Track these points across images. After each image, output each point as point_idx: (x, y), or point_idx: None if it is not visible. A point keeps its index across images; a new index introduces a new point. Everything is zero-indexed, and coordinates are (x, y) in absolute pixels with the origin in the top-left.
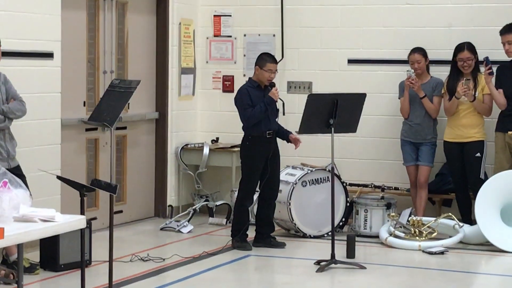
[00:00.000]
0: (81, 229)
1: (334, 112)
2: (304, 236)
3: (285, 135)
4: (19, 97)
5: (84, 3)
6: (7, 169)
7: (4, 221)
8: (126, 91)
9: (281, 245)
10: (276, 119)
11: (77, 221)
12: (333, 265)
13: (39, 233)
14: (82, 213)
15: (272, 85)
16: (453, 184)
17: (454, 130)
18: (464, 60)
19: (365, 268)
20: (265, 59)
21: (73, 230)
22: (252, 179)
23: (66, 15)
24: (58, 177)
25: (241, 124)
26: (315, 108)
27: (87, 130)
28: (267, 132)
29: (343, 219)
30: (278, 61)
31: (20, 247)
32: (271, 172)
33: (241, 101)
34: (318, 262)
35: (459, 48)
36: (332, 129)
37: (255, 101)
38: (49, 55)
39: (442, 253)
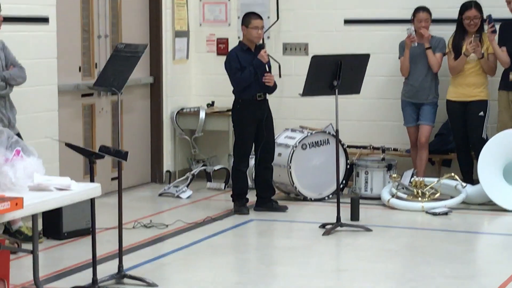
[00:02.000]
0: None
1: (338, 74)
2: (305, 199)
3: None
4: (19, 64)
5: None
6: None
7: (19, 191)
8: (133, 56)
9: (283, 209)
10: None
11: (93, 189)
12: (338, 228)
13: (56, 202)
14: (91, 180)
15: (261, 47)
16: (454, 143)
17: (458, 89)
18: (471, 19)
19: (371, 230)
20: (250, 16)
21: (89, 198)
22: (246, 142)
23: None
24: (67, 144)
25: None
26: (319, 70)
27: (83, 96)
28: (257, 95)
29: (344, 182)
30: (273, 22)
31: (35, 216)
32: (266, 135)
33: (230, 65)
34: (323, 225)
35: (466, 6)
36: (336, 91)
37: (244, 64)
38: (45, 20)
39: (445, 213)
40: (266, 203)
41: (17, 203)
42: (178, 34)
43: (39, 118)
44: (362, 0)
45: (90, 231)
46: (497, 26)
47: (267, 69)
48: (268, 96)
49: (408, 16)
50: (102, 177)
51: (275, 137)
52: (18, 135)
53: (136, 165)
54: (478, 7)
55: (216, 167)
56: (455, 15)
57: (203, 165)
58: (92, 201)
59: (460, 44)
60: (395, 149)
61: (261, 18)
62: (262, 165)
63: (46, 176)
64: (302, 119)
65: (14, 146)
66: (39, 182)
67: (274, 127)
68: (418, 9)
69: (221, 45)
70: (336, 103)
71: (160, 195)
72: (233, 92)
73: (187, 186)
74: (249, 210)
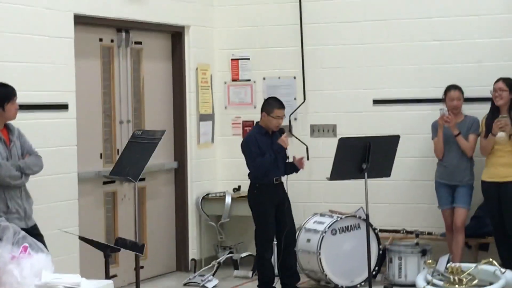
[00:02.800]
0: None
1: (367, 156)
2: (336, 287)
3: (291, 166)
4: (35, 152)
5: (98, 51)
6: (24, 229)
7: None
8: (150, 143)
9: None
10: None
11: (105, 287)
12: None
13: None
14: (107, 275)
15: (281, 131)
16: (491, 226)
17: (491, 169)
18: (496, 90)
19: None
20: (272, 105)
21: None
22: (267, 228)
23: (79, 64)
24: (81, 238)
25: None
26: (347, 152)
27: (104, 183)
28: (275, 178)
29: (376, 268)
30: (300, 104)
31: None
32: (285, 219)
33: (249, 150)
34: None
35: (495, 81)
36: (365, 174)
37: (263, 149)
38: (64, 107)
39: None
40: None
41: None
42: (202, 117)
43: (58, 208)
44: (391, 79)
45: None
46: None
47: (287, 154)
48: (295, 179)
49: (439, 95)
50: (125, 267)
51: (303, 222)
52: (35, 226)
53: (161, 253)
54: (507, 82)
55: (243, 254)
56: (485, 93)
57: (229, 252)
58: None
59: (492, 123)
60: (429, 233)
61: (283, 107)
62: (285, 250)
63: (55, 274)
64: (332, 202)
65: (21, 242)
66: (47, 280)
67: (292, 211)
68: (450, 88)
69: (247, 128)
70: (365, 187)
71: (185, 284)
72: (249, 176)
73: (213, 274)
74: None
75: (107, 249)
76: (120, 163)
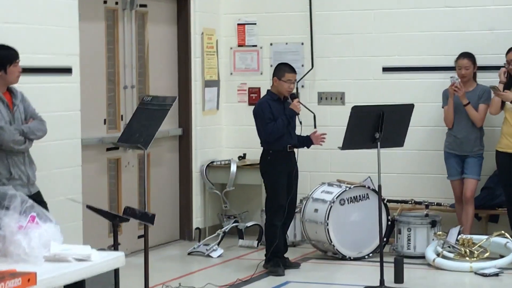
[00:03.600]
0: None
1: (380, 126)
2: (343, 258)
3: (306, 140)
4: (39, 116)
5: (102, 14)
6: (28, 196)
7: (34, 262)
8: (160, 109)
9: (296, 266)
10: (297, 133)
11: (115, 259)
12: None
13: (75, 275)
14: (115, 246)
15: (293, 96)
16: (505, 197)
17: (504, 139)
18: (510, 63)
19: None
20: (283, 69)
21: (112, 269)
22: (279, 195)
23: (83, 27)
24: (88, 207)
25: None
26: (360, 121)
27: (107, 150)
28: (288, 146)
29: (384, 239)
30: (308, 70)
31: None
32: (293, 187)
33: (262, 115)
34: None
35: (509, 50)
36: (378, 143)
37: (276, 114)
38: (68, 71)
39: (496, 274)
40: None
41: (30, 279)
42: (208, 83)
43: (61, 175)
44: (401, 46)
45: None
46: None
47: (299, 121)
48: (301, 148)
49: (451, 63)
50: (127, 235)
51: (311, 192)
52: (38, 193)
53: (164, 221)
54: None
55: (249, 224)
56: (503, 61)
57: (234, 222)
58: (116, 271)
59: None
60: (438, 204)
61: (295, 71)
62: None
63: (64, 245)
64: (338, 172)
65: (29, 212)
66: (56, 252)
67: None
68: (459, 56)
69: (253, 94)
70: (378, 157)
71: (190, 253)
72: (262, 143)
73: (218, 244)
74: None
75: (116, 219)
76: (129, 129)
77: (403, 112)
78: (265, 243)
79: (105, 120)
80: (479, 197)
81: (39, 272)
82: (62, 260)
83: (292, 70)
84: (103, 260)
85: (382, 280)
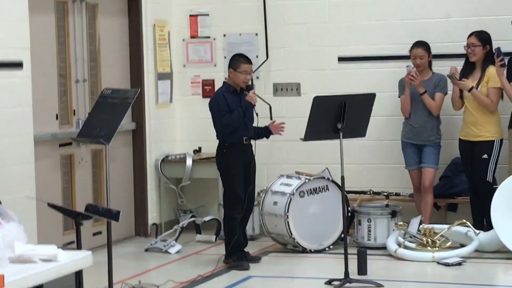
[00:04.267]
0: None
1: (342, 116)
2: (304, 251)
3: (264, 131)
4: None
5: (52, 6)
6: None
7: None
8: (122, 103)
9: (257, 260)
10: (254, 124)
11: (83, 259)
12: (347, 285)
13: (42, 277)
14: (78, 245)
15: (249, 88)
16: (468, 185)
17: (464, 128)
18: (469, 46)
19: (382, 286)
20: (239, 60)
21: (79, 269)
22: (236, 187)
23: (33, 20)
24: (50, 205)
25: None
26: (321, 112)
27: (60, 145)
28: (244, 138)
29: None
30: (263, 61)
31: None
32: (251, 180)
33: (218, 107)
34: (329, 281)
35: (470, 34)
36: (341, 134)
37: (232, 106)
38: (18, 65)
39: (459, 264)
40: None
41: None
42: (160, 76)
43: (14, 172)
44: (356, 36)
45: None
46: (506, 60)
47: (255, 112)
48: (258, 140)
49: (407, 51)
50: (82, 232)
51: (270, 184)
52: None
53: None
54: (480, 36)
55: (206, 218)
56: (459, 49)
57: (191, 216)
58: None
59: (466, 78)
60: (397, 194)
61: (250, 62)
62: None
63: (28, 245)
64: (296, 164)
65: None
66: (21, 252)
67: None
68: (413, 45)
69: (207, 87)
70: (340, 148)
71: (147, 250)
72: (217, 136)
73: (176, 239)
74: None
75: (78, 216)
76: (89, 124)
77: (365, 102)
78: (224, 238)
79: (57, 115)
80: (438, 186)
81: (6, 274)
82: (27, 261)
83: (248, 61)
84: (70, 260)
85: (347, 272)
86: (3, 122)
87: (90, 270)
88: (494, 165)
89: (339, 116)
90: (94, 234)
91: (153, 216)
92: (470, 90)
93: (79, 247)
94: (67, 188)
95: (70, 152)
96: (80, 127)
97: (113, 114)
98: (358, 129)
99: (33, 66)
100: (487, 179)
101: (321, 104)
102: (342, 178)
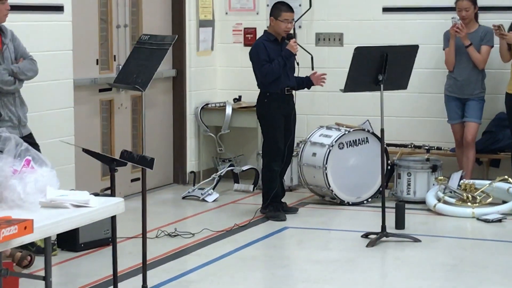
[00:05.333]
0: None
1: (384, 67)
2: (342, 203)
3: (306, 81)
4: (29, 56)
5: None
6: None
7: (29, 208)
8: (159, 48)
9: (294, 211)
10: (294, 74)
11: (115, 205)
12: (384, 238)
13: (73, 222)
14: (112, 192)
15: (290, 36)
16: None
17: None
18: None
19: (419, 241)
20: (280, 8)
21: (110, 215)
22: (277, 139)
23: None
24: (85, 150)
25: None
26: (362, 63)
27: (100, 91)
28: (286, 88)
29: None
30: (305, 11)
31: (47, 240)
32: (291, 131)
33: (258, 56)
34: (366, 235)
35: None
36: (381, 86)
37: (272, 56)
38: (59, 8)
39: (499, 220)
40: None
41: (26, 226)
42: (202, 23)
43: (53, 116)
44: None
45: (109, 241)
46: None
47: (296, 62)
48: (297, 91)
49: (452, 3)
50: (120, 178)
51: (309, 136)
52: (30, 135)
53: (158, 165)
54: None
55: (244, 168)
56: (506, 1)
57: (230, 165)
58: (113, 217)
59: None
60: (438, 148)
61: (292, 10)
62: None
63: (60, 190)
64: (336, 115)
65: (24, 155)
66: (53, 197)
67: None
68: None
69: (249, 35)
70: (381, 100)
71: (184, 198)
72: (258, 85)
73: (213, 188)
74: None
75: (113, 163)
76: (126, 70)
77: (407, 54)
78: (261, 188)
79: (97, 60)
80: (481, 141)
81: (36, 219)
82: (59, 206)
83: (290, 9)
84: (102, 206)
85: (384, 226)
86: (43, 66)
87: (128, 216)
88: None
89: (380, 68)
90: (132, 181)
91: (191, 164)
92: None
93: (113, 193)
94: (106, 134)
95: (110, 98)
96: None
97: (150, 60)
98: (399, 81)
99: (74, 10)
100: None
101: (362, 55)
102: (382, 130)
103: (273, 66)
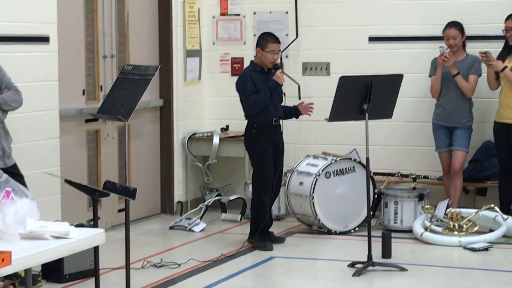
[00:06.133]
0: None
1: (369, 96)
2: (329, 232)
3: (293, 110)
4: (14, 86)
5: None
6: (3, 169)
7: (9, 239)
8: (142, 79)
9: (281, 241)
10: (282, 104)
11: (95, 236)
12: (370, 268)
13: (52, 254)
14: (95, 222)
15: (277, 67)
16: (500, 168)
17: (500, 110)
18: (507, 30)
19: (406, 270)
20: (266, 39)
21: (91, 246)
22: (266, 169)
23: None
24: (67, 181)
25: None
26: (347, 92)
27: (87, 121)
28: (274, 119)
29: (371, 213)
30: (292, 40)
31: (28, 271)
32: (279, 161)
33: (244, 87)
34: (353, 264)
35: (508, 17)
36: (366, 115)
37: (258, 86)
38: (45, 39)
39: (485, 249)
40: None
41: (4, 258)
42: (189, 53)
43: (39, 147)
44: (388, 16)
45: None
46: None
47: (283, 91)
48: (285, 120)
49: (439, 32)
50: (108, 209)
51: (296, 165)
52: (15, 165)
53: (145, 195)
54: None
55: (232, 197)
56: (494, 30)
57: (217, 195)
58: (95, 247)
59: (502, 60)
60: (425, 177)
61: (278, 41)
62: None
63: (41, 221)
64: (323, 144)
65: (4, 186)
66: (32, 229)
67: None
68: (447, 25)
69: (236, 65)
70: (366, 129)
71: (171, 228)
72: (246, 116)
73: (201, 218)
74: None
75: (95, 194)
76: (109, 100)
77: (392, 83)
78: (249, 218)
79: (83, 90)
80: (467, 169)
81: (14, 250)
82: (38, 237)
83: (276, 40)
84: (82, 238)
85: (370, 255)
86: (29, 96)
87: (114, 246)
88: None
89: (365, 97)
90: (119, 211)
91: (179, 194)
92: (502, 70)
93: (95, 224)
94: (93, 164)
95: (96, 128)
96: None
97: (133, 90)
98: (384, 110)
99: (60, 41)
100: None
101: (347, 84)
102: (367, 159)
103: (259, 97)
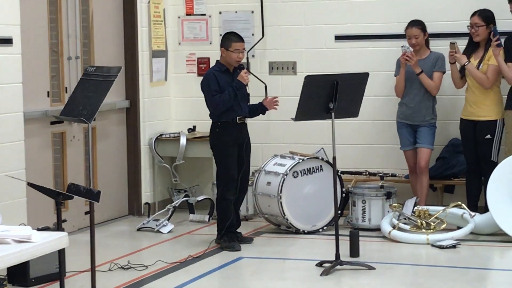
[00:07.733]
0: None
1: (334, 95)
2: (297, 232)
3: (259, 107)
4: None
5: None
6: None
7: None
8: (105, 80)
9: (249, 241)
10: (247, 104)
11: (58, 240)
12: (338, 267)
13: (14, 258)
14: (59, 226)
15: (241, 67)
16: (467, 165)
17: (467, 107)
18: (472, 26)
19: (374, 268)
20: (230, 39)
21: (54, 250)
22: (230, 168)
23: None
24: (30, 184)
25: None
26: (313, 91)
27: (52, 123)
28: (238, 117)
29: (339, 211)
30: (258, 40)
31: None
32: (244, 160)
33: (208, 87)
34: (321, 264)
35: (473, 14)
36: (333, 114)
37: (223, 86)
38: (8, 41)
39: (453, 246)
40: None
41: None
42: (155, 54)
43: (2, 149)
44: (354, 14)
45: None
46: (502, 40)
47: (248, 91)
48: (253, 119)
49: (403, 30)
50: (74, 211)
51: (263, 165)
52: None
53: (112, 196)
54: (483, 16)
55: (200, 198)
56: (457, 28)
57: (185, 196)
58: (60, 251)
59: (467, 57)
60: (393, 175)
61: (242, 40)
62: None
63: (2, 226)
64: (291, 143)
65: None
66: None
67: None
68: (408, 25)
69: (202, 65)
70: (332, 128)
71: (139, 229)
72: (210, 115)
73: (168, 219)
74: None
75: (59, 197)
76: (72, 102)
77: (358, 81)
78: (216, 218)
79: (48, 92)
80: (434, 167)
81: None
82: (1, 242)
83: (240, 39)
84: (44, 241)
85: (337, 254)
86: None
87: (80, 249)
88: (498, 145)
89: (331, 96)
90: (86, 213)
91: (146, 195)
92: (465, 65)
93: (59, 227)
94: (59, 167)
95: (62, 130)
96: None
97: (96, 92)
98: (350, 109)
99: (24, 43)
100: (492, 159)
101: (312, 83)
102: (334, 158)
103: (223, 96)
